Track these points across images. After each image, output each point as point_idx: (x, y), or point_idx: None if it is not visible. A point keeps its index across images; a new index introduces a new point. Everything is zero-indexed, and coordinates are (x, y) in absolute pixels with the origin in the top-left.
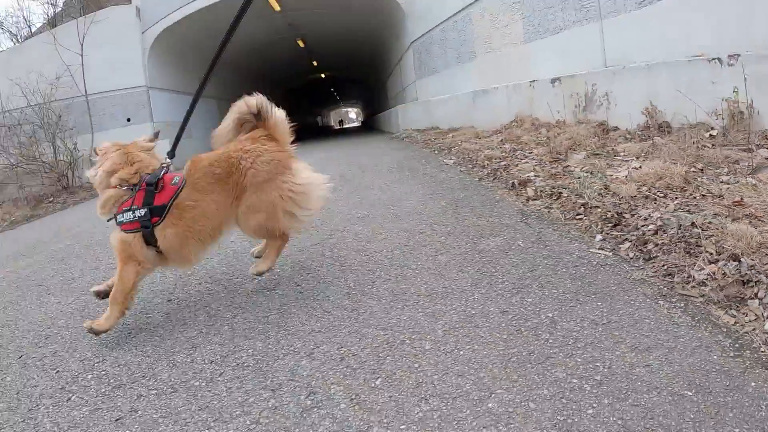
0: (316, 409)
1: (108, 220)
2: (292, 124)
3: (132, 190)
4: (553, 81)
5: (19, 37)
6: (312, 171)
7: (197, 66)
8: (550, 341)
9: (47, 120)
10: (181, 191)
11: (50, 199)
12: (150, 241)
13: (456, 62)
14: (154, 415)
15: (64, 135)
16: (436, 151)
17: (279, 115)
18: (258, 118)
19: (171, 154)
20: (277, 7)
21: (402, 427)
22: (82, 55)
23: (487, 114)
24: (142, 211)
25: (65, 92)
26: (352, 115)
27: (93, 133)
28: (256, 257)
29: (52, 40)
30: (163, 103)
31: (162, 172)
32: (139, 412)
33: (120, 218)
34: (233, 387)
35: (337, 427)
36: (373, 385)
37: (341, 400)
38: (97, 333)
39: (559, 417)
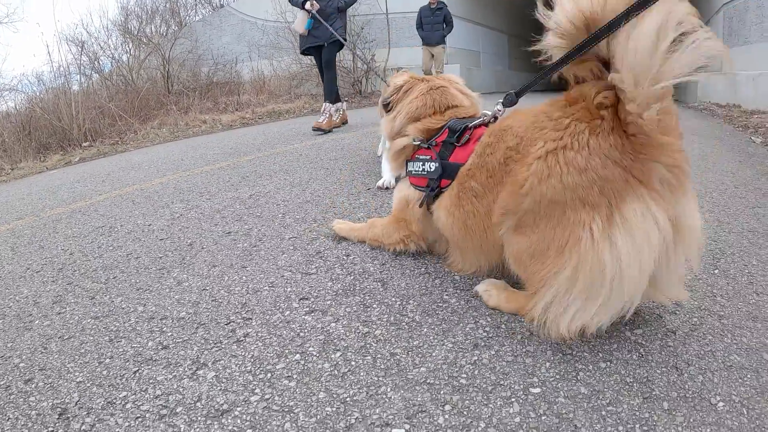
0: None
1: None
2: None
3: (427, 141)
4: None
5: None
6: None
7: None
8: None
9: (350, 30)
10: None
11: (345, 99)
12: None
13: None
14: None
15: (363, 46)
16: (740, 128)
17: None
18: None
19: (511, 100)
20: None
21: None
22: None
23: None
24: (433, 165)
25: (367, 8)
26: None
27: (389, 49)
28: None
29: None
30: (457, 29)
31: (475, 122)
32: None
33: (410, 167)
34: None
35: None
36: None
37: None
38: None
39: None
